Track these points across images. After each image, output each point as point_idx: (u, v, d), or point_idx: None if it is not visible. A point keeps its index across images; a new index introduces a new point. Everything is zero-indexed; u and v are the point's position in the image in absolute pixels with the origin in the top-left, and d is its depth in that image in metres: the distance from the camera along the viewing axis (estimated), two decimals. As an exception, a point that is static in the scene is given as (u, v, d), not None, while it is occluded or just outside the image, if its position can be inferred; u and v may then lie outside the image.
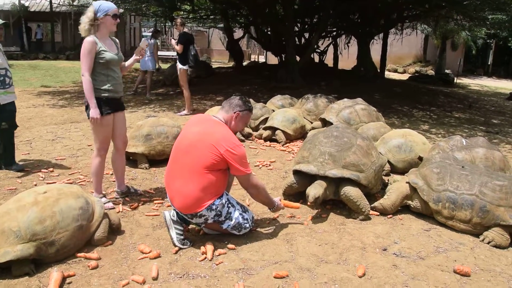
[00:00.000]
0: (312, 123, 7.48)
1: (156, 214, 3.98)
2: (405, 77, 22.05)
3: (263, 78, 14.50)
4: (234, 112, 3.42)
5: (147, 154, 5.38)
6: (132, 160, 5.52)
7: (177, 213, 3.37)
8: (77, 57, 23.42)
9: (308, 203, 3.86)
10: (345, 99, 7.13)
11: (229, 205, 3.41)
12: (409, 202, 4.06)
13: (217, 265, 3.10)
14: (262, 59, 27.82)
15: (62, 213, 3.11)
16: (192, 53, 8.56)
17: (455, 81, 19.99)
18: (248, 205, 4.27)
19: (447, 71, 22.15)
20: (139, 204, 4.24)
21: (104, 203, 4.12)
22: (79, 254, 3.17)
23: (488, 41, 26.62)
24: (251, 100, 8.26)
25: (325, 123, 6.94)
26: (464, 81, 22.36)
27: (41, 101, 10.31)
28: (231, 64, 21.89)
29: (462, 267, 3.04)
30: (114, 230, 3.54)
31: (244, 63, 19.92)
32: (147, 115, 8.80)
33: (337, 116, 6.78)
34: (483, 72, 28.08)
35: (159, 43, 13.32)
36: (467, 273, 3.01)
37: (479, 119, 10.64)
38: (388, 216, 4.06)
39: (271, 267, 3.08)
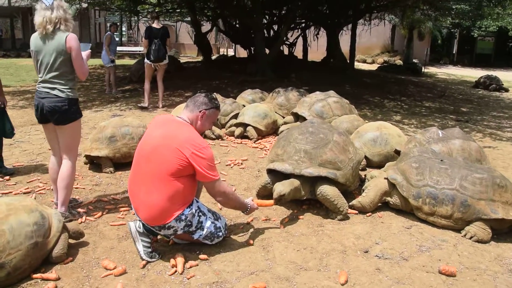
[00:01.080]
0: (284, 117, 7.27)
1: (122, 224, 3.68)
2: (374, 67, 22.22)
3: (232, 72, 14.20)
4: (200, 111, 3.15)
5: (111, 157, 5.03)
6: (96, 164, 5.17)
7: (143, 224, 3.09)
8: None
9: (273, 198, 3.65)
10: (317, 92, 6.96)
11: (200, 213, 3.15)
12: (388, 198, 3.92)
13: (188, 279, 2.84)
14: (231, 52, 27.43)
15: (13, 231, 2.77)
16: (153, 48, 8.43)
17: (423, 70, 20.28)
18: (220, 209, 4.03)
19: (414, 60, 22.44)
20: (103, 213, 3.92)
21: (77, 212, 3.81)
22: (35, 276, 2.85)
23: (452, 30, 27.19)
24: (219, 96, 8.12)
25: (298, 117, 6.75)
26: (431, 70, 22.75)
27: (-2, 102, 9.67)
28: (200, 58, 21.44)
29: (447, 267, 2.90)
30: (77, 238, 3.22)
31: (213, 57, 19.53)
32: (113, 114, 8.38)
33: (310, 110, 6.59)
34: (448, 61, 28.70)
35: (123, 38, 12.70)
36: (452, 273, 2.87)
37: (448, 107, 10.73)
38: (367, 215, 3.90)
39: (247, 278, 2.85)
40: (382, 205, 4.03)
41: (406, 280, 2.84)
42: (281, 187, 3.67)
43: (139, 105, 9.15)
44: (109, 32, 11.06)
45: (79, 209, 3.90)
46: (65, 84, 3.51)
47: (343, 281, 2.78)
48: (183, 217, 3.02)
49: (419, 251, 3.22)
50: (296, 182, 3.78)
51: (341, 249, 3.26)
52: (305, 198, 3.92)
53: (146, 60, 8.77)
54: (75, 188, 4.50)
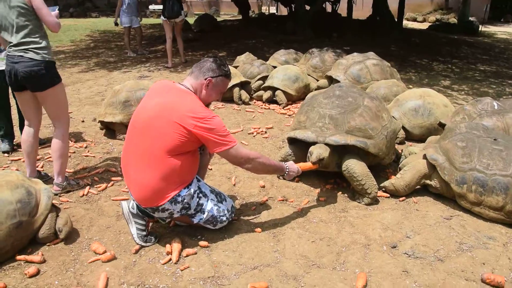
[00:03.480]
0: (318, 81, 6.64)
1: (125, 198, 3.35)
2: (424, 26, 20.49)
3: (270, 31, 13.44)
4: (205, 79, 2.66)
5: (126, 123, 4.68)
6: (111, 130, 4.86)
7: (137, 204, 2.72)
8: (81, 15, 22.47)
9: (311, 162, 3.15)
10: (355, 54, 6.23)
11: (200, 195, 2.75)
12: (428, 182, 3.33)
13: (182, 270, 2.48)
14: (273, 10, 26.30)
15: (-7, 209, 2.50)
16: (168, 4, 8.17)
17: (480, 29, 18.42)
18: (234, 185, 3.61)
19: (471, 18, 20.39)
20: (108, 185, 3.61)
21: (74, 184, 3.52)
22: (18, 257, 2.60)
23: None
24: (251, 55, 7.56)
25: (332, 81, 6.10)
26: (490, 29, 20.66)
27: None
28: (240, 16, 20.63)
29: (493, 276, 2.34)
30: (59, 233, 2.78)
31: (253, 15, 18.67)
32: (140, 75, 8.06)
33: (345, 73, 5.94)
34: (511, 18, 25.99)
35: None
36: (499, 284, 2.32)
37: (507, 72, 9.54)
38: (401, 199, 3.35)
39: (248, 274, 2.44)
40: (420, 188, 3.46)
41: (439, 288, 2.32)
42: (320, 150, 3.18)
43: (166, 65, 8.86)
44: None
45: (81, 181, 3.60)
46: (38, 43, 3.11)
47: (360, 286, 2.30)
48: (180, 199, 2.62)
49: (459, 250, 2.66)
50: (328, 148, 3.26)
51: (364, 242, 2.77)
52: (331, 171, 3.44)
53: (162, 17, 8.59)
54: (85, 156, 4.23)
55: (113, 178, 3.74)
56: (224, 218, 2.81)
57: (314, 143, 3.33)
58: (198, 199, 2.72)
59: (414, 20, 24.55)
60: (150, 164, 2.53)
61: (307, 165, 3.16)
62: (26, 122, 3.41)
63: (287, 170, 2.91)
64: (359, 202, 3.30)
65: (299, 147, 3.60)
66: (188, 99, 2.56)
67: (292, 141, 3.69)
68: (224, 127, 2.55)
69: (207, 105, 2.76)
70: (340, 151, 3.36)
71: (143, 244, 2.72)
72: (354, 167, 3.21)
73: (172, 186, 2.58)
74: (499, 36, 17.63)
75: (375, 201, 3.28)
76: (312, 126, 3.45)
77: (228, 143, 2.54)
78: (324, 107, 3.50)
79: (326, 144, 3.29)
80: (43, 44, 3.13)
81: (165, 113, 2.50)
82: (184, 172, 2.61)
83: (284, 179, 3.02)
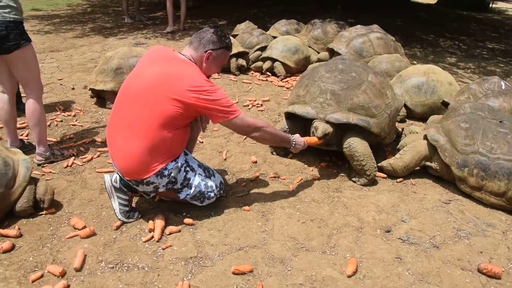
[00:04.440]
0: (319, 53, 6.39)
1: (110, 171, 3.23)
2: (433, 0, 19.87)
3: (273, 1, 13.01)
4: (206, 51, 2.47)
5: (117, 91, 4.47)
6: (100, 99, 4.68)
7: (121, 177, 2.58)
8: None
9: (316, 137, 3.06)
10: (358, 26, 5.96)
11: (188, 168, 2.60)
12: (428, 163, 3.18)
13: (163, 249, 2.36)
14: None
15: (-35, 179, 2.36)
16: None
17: (490, 5, 17.87)
18: (225, 159, 3.47)
19: (481, -7, 19.79)
20: (94, 157, 3.46)
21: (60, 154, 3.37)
22: (-7, 230, 2.47)
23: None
24: (251, 23, 7.28)
25: (333, 54, 5.85)
26: (501, 5, 20.04)
27: (26, 26, 9.30)
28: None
29: (490, 266, 2.22)
30: (42, 204, 2.68)
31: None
32: (136, 42, 7.79)
33: (348, 46, 5.69)
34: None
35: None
36: (496, 274, 2.20)
37: (516, 50, 9.24)
38: (398, 180, 3.21)
39: (233, 255, 2.32)
40: (419, 170, 3.31)
41: (432, 278, 2.20)
42: (325, 125, 3.09)
43: (164, 31, 8.56)
44: None
45: (66, 151, 3.45)
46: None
47: (350, 272, 2.18)
48: (166, 172, 2.47)
49: (456, 237, 2.53)
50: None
51: (357, 224, 2.63)
52: (330, 149, 3.30)
53: None
54: (72, 125, 4.06)
55: (99, 149, 3.59)
56: (212, 194, 2.68)
57: (314, 120, 3.17)
58: (185, 173, 2.57)
59: (423, -7, 23.80)
60: (138, 134, 2.36)
61: (312, 140, 3.05)
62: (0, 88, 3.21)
63: (294, 142, 2.81)
64: (354, 182, 3.16)
65: (296, 122, 3.44)
66: (190, 71, 2.37)
67: (289, 116, 3.51)
68: (227, 98, 2.41)
69: (207, 77, 2.58)
70: (342, 129, 3.19)
71: (125, 220, 2.59)
72: (356, 146, 3.06)
73: (159, 158, 2.42)
74: (511, 13, 17.10)
75: (371, 182, 3.13)
76: (312, 101, 3.27)
77: (233, 113, 2.42)
78: (325, 82, 3.30)
79: (327, 122, 3.13)
80: (4, 2, 2.88)
81: (164, 86, 2.31)
82: (173, 146, 2.46)
83: (292, 151, 2.91)
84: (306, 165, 3.44)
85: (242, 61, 6.01)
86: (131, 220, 2.61)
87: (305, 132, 3.31)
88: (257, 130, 2.54)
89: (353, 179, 3.18)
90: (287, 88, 5.50)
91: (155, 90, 2.33)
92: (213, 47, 2.49)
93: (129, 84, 2.49)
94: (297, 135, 2.90)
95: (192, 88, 2.30)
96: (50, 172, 3.18)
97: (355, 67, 3.39)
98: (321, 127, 3.05)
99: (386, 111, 3.28)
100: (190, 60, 2.48)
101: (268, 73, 5.95)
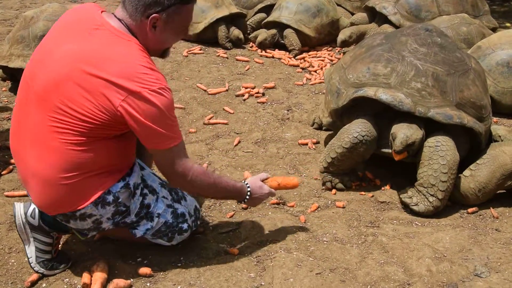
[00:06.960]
0: (352, 15, 6.58)
1: (25, 195, 3.25)
2: None
3: None
4: (148, 17, 2.36)
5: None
6: (15, 83, 4.77)
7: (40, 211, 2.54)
8: None
9: (393, 151, 3.18)
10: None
11: (145, 191, 2.63)
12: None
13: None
14: None
15: None
16: None
17: None
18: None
19: None
20: (2, 172, 3.55)
21: None
22: None
23: None
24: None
25: (374, 16, 6.08)
26: None
27: None
28: None
29: None
30: None
31: None
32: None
33: (397, 3, 5.88)
34: None
35: None
36: None
37: None
38: (469, 210, 3.25)
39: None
40: (504, 194, 3.36)
41: None
42: (409, 131, 3.14)
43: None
44: None
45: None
46: None
47: None
48: (110, 198, 2.44)
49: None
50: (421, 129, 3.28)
51: (402, 279, 2.61)
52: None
53: None
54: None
55: (12, 160, 3.63)
56: (185, 226, 2.69)
57: (408, 114, 3.23)
58: (141, 198, 2.58)
59: None
60: (53, 148, 2.30)
61: (290, 182, 2.90)
62: None
63: (248, 193, 2.72)
64: (407, 204, 3.20)
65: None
66: (120, 50, 2.28)
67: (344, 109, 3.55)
68: (171, 109, 2.30)
69: (162, 54, 2.53)
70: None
71: (45, 272, 2.58)
72: (448, 149, 3.13)
73: (94, 179, 2.38)
74: None
75: (436, 207, 3.14)
76: (404, 86, 3.31)
77: (175, 138, 2.34)
78: (422, 60, 3.38)
79: (424, 120, 3.24)
80: None
81: (80, 74, 2.23)
82: (111, 158, 2.42)
83: (246, 204, 2.90)
84: (325, 186, 3.48)
85: (236, 30, 6.10)
86: (55, 271, 2.59)
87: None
88: (188, 172, 2.42)
89: (406, 198, 3.22)
90: (302, 68, 5.61)
91: (68, 82, 2.23)
92: (158, 8, 2.33)
93: (33, 72, 2.39)
94: (254, 178, 2.83)
95: (119, 80, 2.18)
96: None
97: (453, 44, 3.62)
98: (401, 134, 3.10)
99: (490, 115, 3.53)
100: (126, 32, 2.37)
101: (267, 49, 6.03)
